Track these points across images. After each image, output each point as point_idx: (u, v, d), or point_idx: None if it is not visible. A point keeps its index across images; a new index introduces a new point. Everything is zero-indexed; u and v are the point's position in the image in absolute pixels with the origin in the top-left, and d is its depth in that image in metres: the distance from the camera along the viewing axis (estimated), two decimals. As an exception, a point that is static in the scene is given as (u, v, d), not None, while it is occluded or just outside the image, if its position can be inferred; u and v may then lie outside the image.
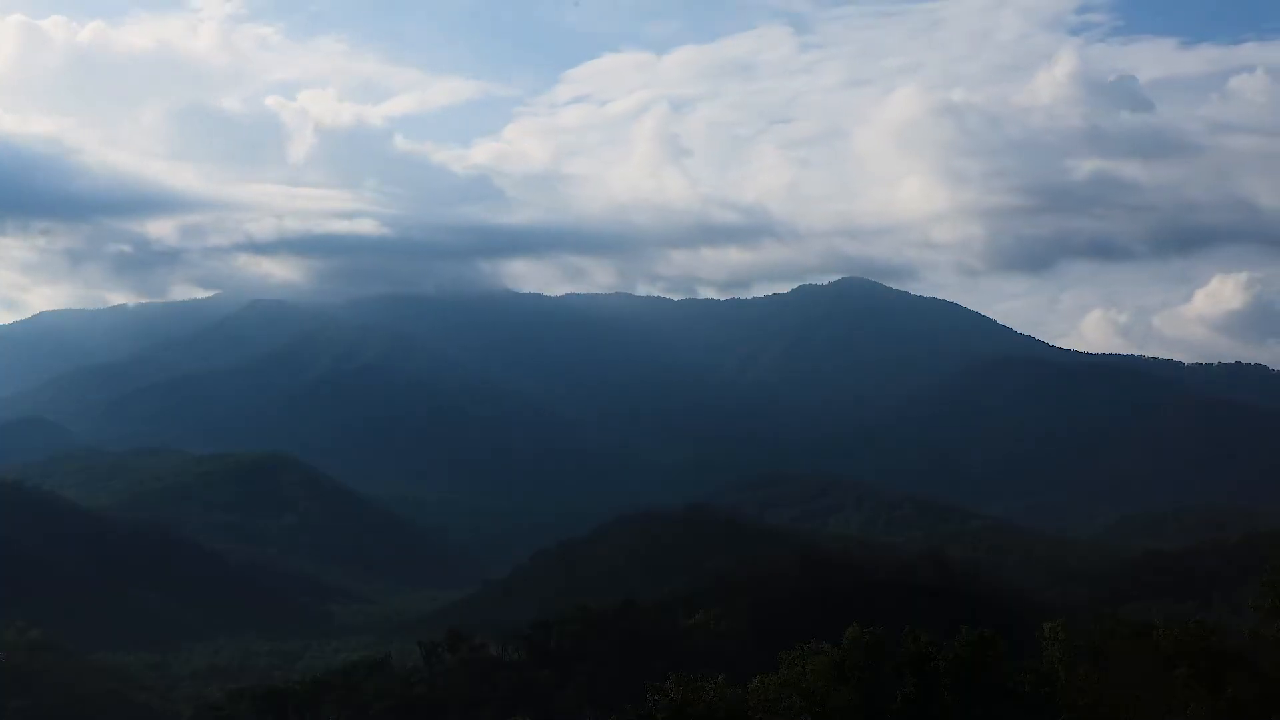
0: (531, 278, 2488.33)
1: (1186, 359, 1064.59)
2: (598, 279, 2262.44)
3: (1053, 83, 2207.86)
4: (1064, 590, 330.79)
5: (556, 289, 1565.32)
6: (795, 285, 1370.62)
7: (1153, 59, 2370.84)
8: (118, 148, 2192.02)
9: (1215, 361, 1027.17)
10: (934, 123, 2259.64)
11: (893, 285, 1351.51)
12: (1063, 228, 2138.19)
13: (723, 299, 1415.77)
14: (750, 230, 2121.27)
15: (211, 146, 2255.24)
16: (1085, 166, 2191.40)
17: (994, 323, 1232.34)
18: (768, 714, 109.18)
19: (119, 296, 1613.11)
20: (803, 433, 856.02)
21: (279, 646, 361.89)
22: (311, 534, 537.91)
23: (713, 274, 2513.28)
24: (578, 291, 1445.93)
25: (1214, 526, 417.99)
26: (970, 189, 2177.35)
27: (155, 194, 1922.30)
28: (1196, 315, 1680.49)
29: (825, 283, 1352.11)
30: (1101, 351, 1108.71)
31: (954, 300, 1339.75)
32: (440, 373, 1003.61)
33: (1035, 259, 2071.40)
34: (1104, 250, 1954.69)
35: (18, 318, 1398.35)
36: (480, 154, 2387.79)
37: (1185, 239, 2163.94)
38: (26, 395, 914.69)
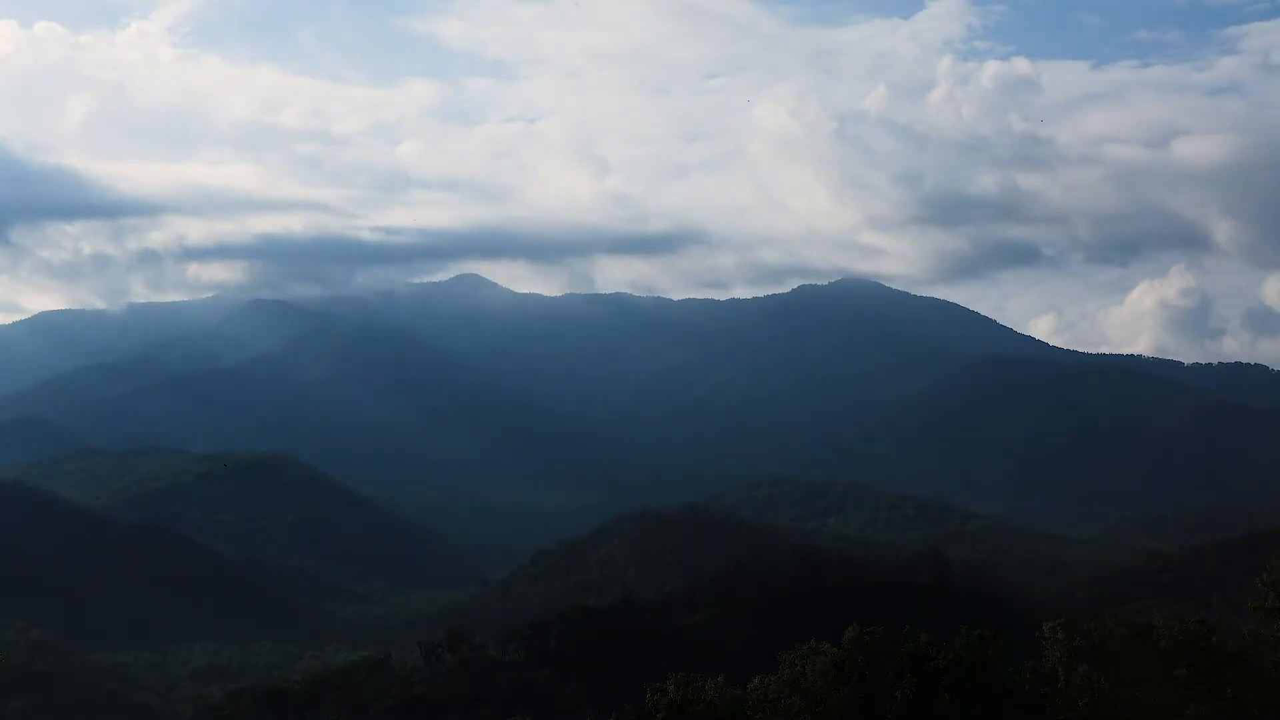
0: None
1: (1184, 359, 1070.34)
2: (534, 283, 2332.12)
3: (957, 100, 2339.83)
4: (1064, 590, 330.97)
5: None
6: (795, 285, 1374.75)
7: (1051, 81, 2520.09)
8: (49, 150, 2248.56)
9: (1215, 361, 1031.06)
10: (840, 139, 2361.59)
11: (892, 286, 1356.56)
12: (985, 237, 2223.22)
13: (722, 299, 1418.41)
14: (677, 238, 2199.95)
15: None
16: (992, 178, 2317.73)
17: (994, 323, 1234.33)
18: (768, 714, 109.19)
19: (115, 297, 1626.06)
20: (803, 432, 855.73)
21: (279, 646, 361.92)
22: (311, 534, 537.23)
23: (643, 281, 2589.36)
24: (576, 292, 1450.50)
25: (1214, 526, 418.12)
26: (883, 201, 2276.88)
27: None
28: (1132, 316, 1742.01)
29: (825, 283, 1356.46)
30: (1099, 351, 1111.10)
31: (954, 300, 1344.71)
32: (440, 372, 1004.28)
33: (966, 268, 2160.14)
34: (1030, 257, 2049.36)
35: (17, 318, 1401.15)
36: (427, 165, 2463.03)
37: (1111, 246, 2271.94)
38: (26, 395, 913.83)
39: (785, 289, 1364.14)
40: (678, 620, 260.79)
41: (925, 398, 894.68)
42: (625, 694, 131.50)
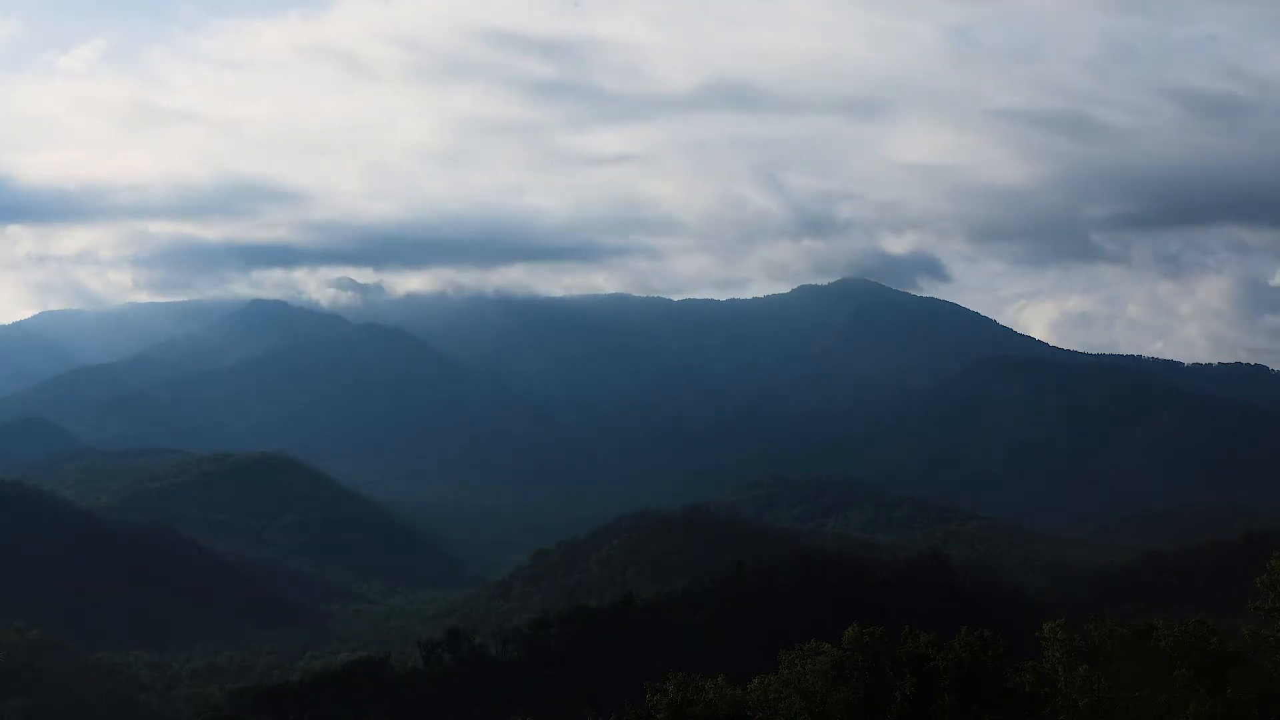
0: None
1: (1186, 359, 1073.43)
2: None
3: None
4: (1064, 590, 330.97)
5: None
6: (796, 285, 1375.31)
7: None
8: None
9: (1215, 361, 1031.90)
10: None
11: (893, 286, 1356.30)
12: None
13: (723, 299, 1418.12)
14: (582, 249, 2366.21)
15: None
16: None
17: (994, 323, 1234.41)
18: (768, 714, 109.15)
19: (113, 298, 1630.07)
20: (803, 433, 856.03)
21: (279, 646, 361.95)
22: (311, 534, 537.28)
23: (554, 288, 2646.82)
24: (574, 293, 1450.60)
25: (1214, 526, 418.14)
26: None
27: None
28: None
29: (826, 283, 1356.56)
30: (1100, 352, 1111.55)
31: (954, 300, 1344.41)
32: (440, 373, 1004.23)
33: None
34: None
35: (17, 318, 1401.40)
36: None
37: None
38: (26, 395, 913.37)
39: (787, 288, 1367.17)
40: (678, 620, 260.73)
41: (925, 398, 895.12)
42: (625, 694, 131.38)
